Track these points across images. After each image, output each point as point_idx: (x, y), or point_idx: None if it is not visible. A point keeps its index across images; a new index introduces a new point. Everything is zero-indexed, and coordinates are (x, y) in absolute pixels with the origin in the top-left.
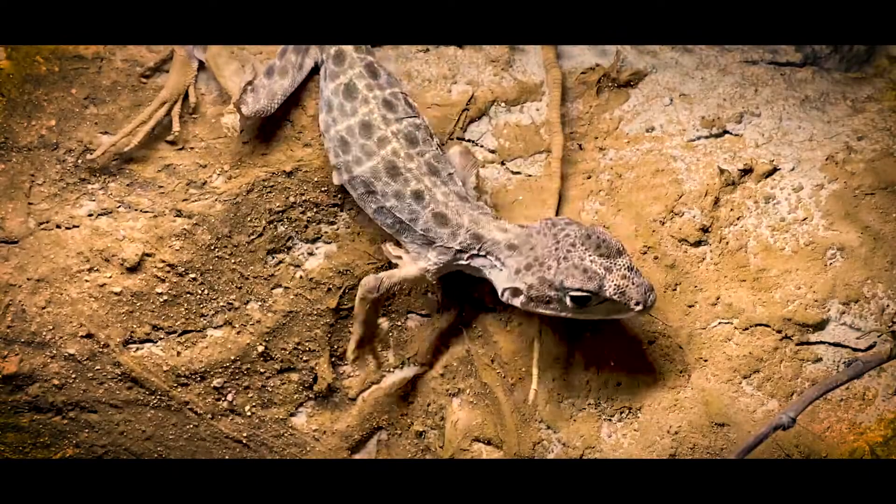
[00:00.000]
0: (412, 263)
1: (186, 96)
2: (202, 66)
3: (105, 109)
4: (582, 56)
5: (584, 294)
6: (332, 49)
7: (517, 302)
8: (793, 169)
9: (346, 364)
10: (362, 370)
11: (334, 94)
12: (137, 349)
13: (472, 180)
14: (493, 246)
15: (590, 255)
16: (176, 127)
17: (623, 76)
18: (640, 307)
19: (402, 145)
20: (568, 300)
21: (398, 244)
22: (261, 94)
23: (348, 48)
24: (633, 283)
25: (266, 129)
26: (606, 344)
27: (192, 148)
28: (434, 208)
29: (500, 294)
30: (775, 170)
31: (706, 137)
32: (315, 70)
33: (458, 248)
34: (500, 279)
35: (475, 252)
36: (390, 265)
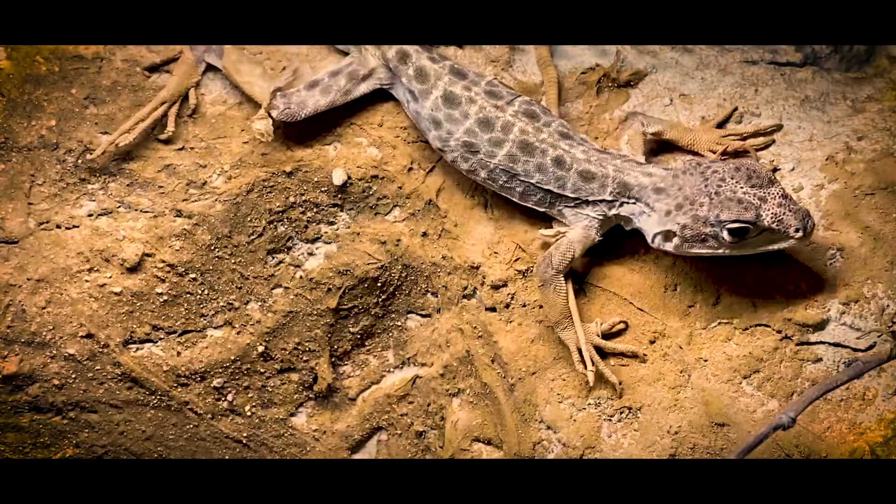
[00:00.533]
0: (572, 227)
1: (186, 98)
2: (208, 70)
3: (105, 109)
4: (582, 56)
5: (742, 225)
6: (411, 69)
7: (670, 246)
8: (793, 169)
9: (346, 364)
10: (609, 387)
11: (435, 109)
12: (137, 349)
13: (625, 142)
14: (641, 191)
15: (742, 187)
16: (171, 127)
17: (623, 76)
18: (799, 233)
19: (526, 122)
20: (725, 234)
21: (550, 225)
22: (291, 101)
23: (424, 62)
24: (789, 210)
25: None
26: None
27: (192, 148)
28: (577, 167)
29: (650, 240)
30: (775, 170)
31: None
32: (366, 97)
33: (609, 198)
34: (650, 224)
35: (625, 199)
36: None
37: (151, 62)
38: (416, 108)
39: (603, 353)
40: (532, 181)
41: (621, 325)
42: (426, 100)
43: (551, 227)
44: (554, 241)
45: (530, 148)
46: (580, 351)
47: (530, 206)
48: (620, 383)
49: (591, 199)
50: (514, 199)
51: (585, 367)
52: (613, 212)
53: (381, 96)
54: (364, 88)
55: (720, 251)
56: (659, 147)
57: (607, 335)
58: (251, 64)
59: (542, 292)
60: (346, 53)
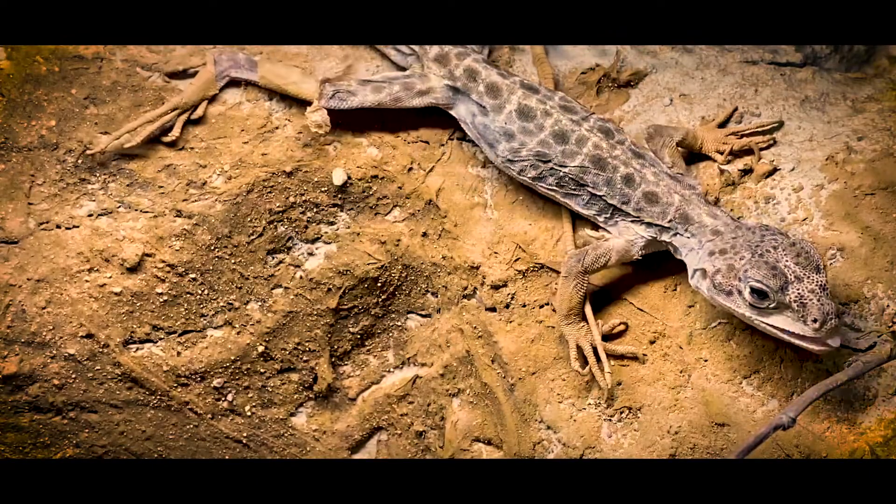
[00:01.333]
0: (618, 237)
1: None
2: (228, 86)
3: (105, 109)
4: (582, 56)
5: (763, 288)
6: (481, 86)
7: (704, 287)
8: (793, 169)
9: (347, 364)
10: (601, 383)
11: (509, 122)
12: (137, 349)
13: (667, 158)
14: (699, 229)
15: (786, 260)
16: (176, 132)
17: (623, 76)
18: (816, 324)
19: (601, 138)
20: (747, 291)
21: (596, 228)
22: (340, 88)
23: (495, 78)
24: (817, 299)
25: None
26: None
27: (192, 148)
28: (645, 188)
29: (690, 276)
30: (775, 170)
31: None
32: (420, 110)
33: (665, 225)
34: (694, 261)
35: (681, 232)
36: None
37: (174, 68)
38: (483, 122)
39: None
40: (599, 193)
41: (621, 327)
42: (499, 114)
43: (598, 231)
44: (594, 242)
45: (602, 163)
46: (578, 348)
47: (591, 215)
48: (619, 384)
49: (648, 220)
50: (574, 207)
51: (582, 367)
52: (666, 238)
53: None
54: (417, 102)
55: (742, 311)
56: None
57: (607, 336)
58: (288, 68)
59: (561, 283)
60: (380, 53)
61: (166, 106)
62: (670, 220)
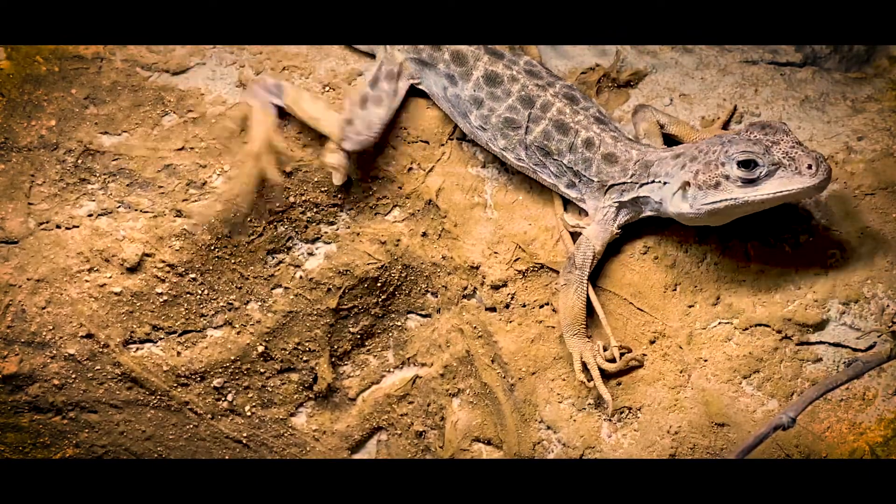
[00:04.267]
0: (592, 221)
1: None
2: (280, 112)
3: (105, 109)
4: (582, 56)
5: (750, 156)
6: (446, 55)
7: (687, 206)
8: None
9: (347, 364)
10: (604, 408)
11: (477, 89)
12: (137, 349)
13: (641, 132)
14: (660, 163)
15: (755, 135)
16: (277, 178)
17: (623, 76)
18: (812, 169)
19: (565, 103)
20: (735, 168)
21: (576, 213)
22: (359, 126)
23: (459, 45)
24: (802, 150)
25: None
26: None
27: (192, 148)
28: (604, 150)
29: (669, 207)
30: None
31: None
32: (413, 90)
33: (629, 180)
34: (668, 190)
35: (645, 181)
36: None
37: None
38: (454, 93)
39: (606, 374)
40: (563, 161)
41: (634, 363)
42: (467, 81)
43: (575, 216)
44: (573, 231)
45: (565, 128)
46: (583, 363)
47: (561, 188)
48: (619, 384)
49: (612, 182)
50: (546, 180)
51: (587, 380)
52: (632, 195)
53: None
54: (402, 85)
55: (735, 196)
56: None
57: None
58: (312, 99)
59: (561, 292)
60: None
61: (247, 160)
62: (632, 175)
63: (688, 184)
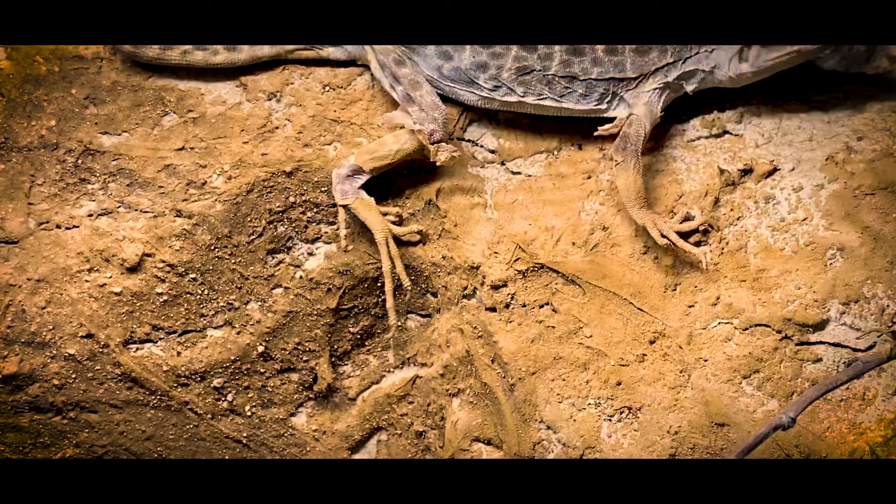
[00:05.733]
0: (634, 108)
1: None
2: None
3: (105, 109)
4: None
5: None
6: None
7: (747, 66)
8: (793, 169)
9: (346, 364)
10: None
11: (475, 55)
12: (137, 349)
13: None
14: None
15: None
16: (412, 228)
17: None
18: None
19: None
20: None
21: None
22: (426, 114)
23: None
24: None
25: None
26: (607, 344)
27: (192, 148)
28: (631, 47)
29: (727, 71)
30: (775, 170)
31: (706, 137)
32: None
33: (670, 60)
34: (725, 56)
35: (688, 54)
36: None
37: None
38: (453, 66)
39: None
40: (592, 76)
41: (710, 221)
42: (463, 51)
43: (607, 125)
44: (618, 130)
45: (579, 50)
46: (658, 230)
47: (592, 107)
48: (619, 384)
49: (653, 67)
50: (574, 107)
51: (671, 244)
52: (676, 72)
53: (374, 92)
54: (419, 60)
55: (795, 48)
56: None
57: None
58: (377, 144)
59: (620, 172)
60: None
61: (382, 251)
62: (672, 54)
63: (746, 46)
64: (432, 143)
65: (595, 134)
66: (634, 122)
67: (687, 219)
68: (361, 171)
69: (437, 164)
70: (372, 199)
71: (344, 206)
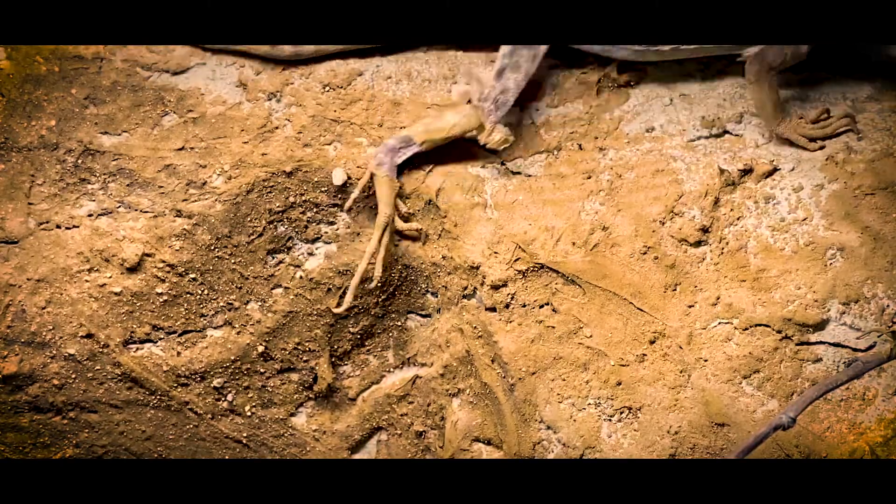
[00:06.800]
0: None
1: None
2: (402, 168)
3: (105, 109)
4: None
5: None
6: None
7: None
8: (793, 169)
9: (346, 364)
10: None
11: None
12: (137, 349)
13: None
14: None
15: None
16: (413, 225)
17: (623, 76)
18: None
19: None
20: None
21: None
22: (493, 97)
23: None
24: None
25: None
26: (607, 344)
27: (192, 148)
28: None
29: None
30: (775, 170)
31: (706, 137)
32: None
33: None
34: None
35: None
36: None
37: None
38: None
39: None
40: None
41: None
42: None
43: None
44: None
45: None
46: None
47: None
48: (619, 384)
49: None
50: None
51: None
52: None
53: (374, 92)
54: (542, 48)
55: None
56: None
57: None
58: (435, 118)
59: (754, 91)
60: None
61: (376, 233)
62: None
63: None
64: (489, 124)
65: (738, 60)
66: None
67: (821, 118)
68: (411, 143)
69: (488, 146)
70: (399, 184)
71: (372, 175)
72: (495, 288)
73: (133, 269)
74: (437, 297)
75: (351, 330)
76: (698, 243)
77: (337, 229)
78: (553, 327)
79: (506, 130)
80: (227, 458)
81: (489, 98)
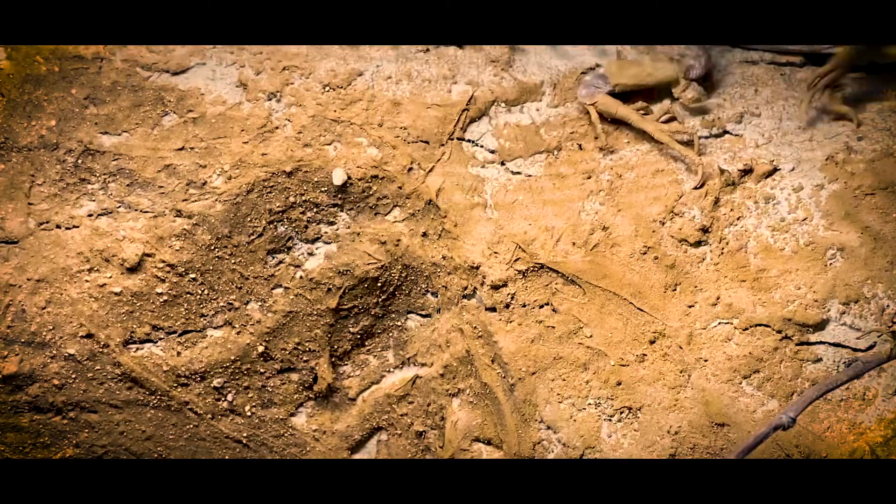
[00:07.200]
0: None
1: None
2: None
3: (105, 109)
4: (582, 56)
5: None
6: None
7: None
8: (793, 169)
9: (346, 364)
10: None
11: None
12: (137, 349)
13: None
14: None
15: None
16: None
17: None
18: None
19: None
20: None
21: None
22: (690, 52)
23: None
24: None
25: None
26: (607, 344)
27: (192, 148)
28: None
29: None
30: (775, 170)
31: (706, 137)
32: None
33: None
34: None
35: None
36: None
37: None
38: None
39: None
40: None
41: None
42: None
43: None
44: None
45: None
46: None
47: None
48: (619, 384)
49: None
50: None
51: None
52: None
53: (374, 92)
54: None
55: None
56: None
57: None
58: (634, 62)
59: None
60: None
61: (648, 127)
62: None
63: None
64: (686, 79)
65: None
66: None
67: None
68: (605, 82)
69: (681, 101)
70: (614, 101)
71: (592, 105)
72: (495, 288)
73: (133, 269)
74: (437, 297)
75: (351, 330)
76: (698, 243)
77: (337, 229)
78: (553, 327)
79: (700, 89)
80: (227, 458)
81: (684, 53)
